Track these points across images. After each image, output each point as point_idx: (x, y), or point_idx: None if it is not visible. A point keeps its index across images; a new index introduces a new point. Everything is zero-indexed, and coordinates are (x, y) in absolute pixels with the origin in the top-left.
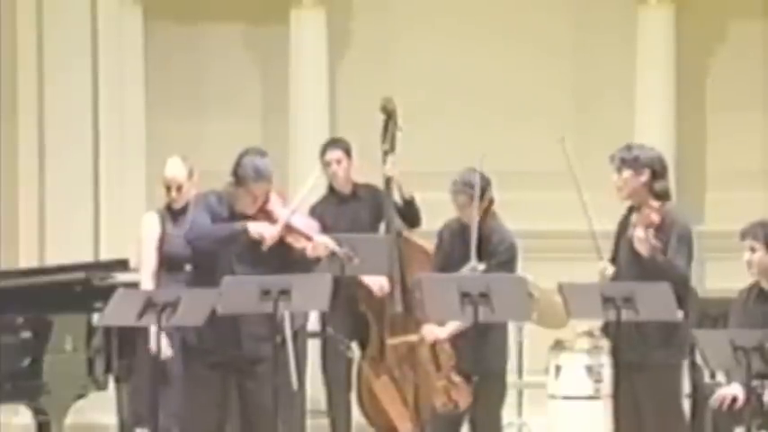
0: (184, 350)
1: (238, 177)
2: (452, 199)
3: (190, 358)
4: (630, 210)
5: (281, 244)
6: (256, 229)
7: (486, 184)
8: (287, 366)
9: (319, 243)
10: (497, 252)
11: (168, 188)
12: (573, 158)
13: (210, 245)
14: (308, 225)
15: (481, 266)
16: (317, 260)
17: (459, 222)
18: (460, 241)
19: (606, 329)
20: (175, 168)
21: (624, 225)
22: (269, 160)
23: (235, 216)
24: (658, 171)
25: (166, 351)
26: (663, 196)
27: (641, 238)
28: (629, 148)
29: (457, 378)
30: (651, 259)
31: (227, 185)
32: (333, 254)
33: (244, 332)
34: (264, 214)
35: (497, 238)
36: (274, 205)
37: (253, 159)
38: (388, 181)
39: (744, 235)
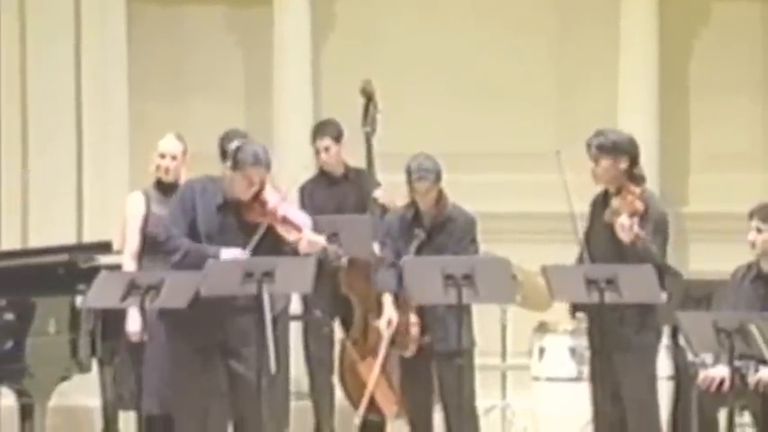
0: (171, 333)
1: (236, 161)
2: (412, 186)
3: (176, 340)
4: (606, 193)
5: (272, 235)
6: (228, 258)
7: (440, 169)
8: (266, 349)
9: (312, 240)
10: (470, 231)
11: (163, 156)
12: (566, 172)
13: (180, 260)
14: (302, 220)
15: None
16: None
17: (412, 210)
18: (410, 228)
19: (573, 311)
20: (172, 142)
21: (598, 205)
22: (268, 150)
23: (228, 202)
24: (634, 156)
25: (139, 332)
26: (640, 180)
27: (625, 225)
28: (602, 134)
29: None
30: (631, 246)
31: (224, 169)
32: (324, 250)
33: (231, 314)
34: (258, 203)
35: (463, 219)
36: (269, 195)
37: (254, 145)
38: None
39: (751, 215)
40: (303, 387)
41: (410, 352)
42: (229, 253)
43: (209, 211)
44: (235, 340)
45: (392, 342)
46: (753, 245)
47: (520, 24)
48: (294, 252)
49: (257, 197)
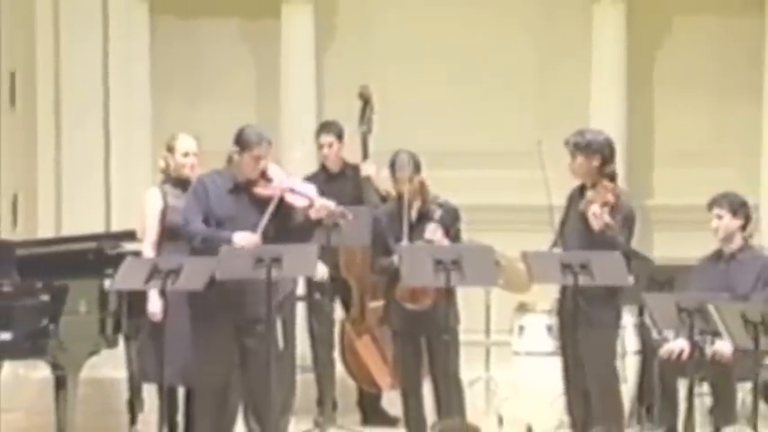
0: (193, 312)
1: (242, 143)
2: (396, 177)
3: (198, 319)
4: (582, 187)
5: (283, 209)
6: (240, 241)
7: (419, 160)
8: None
9: (322, 204)
10: (455, 217)
11: (186, 155)
12: (546, 161)
13: (199, 244)
14: (309, 188)
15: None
16: (319, 222)
17: (396, 204)
18: (398, 219)
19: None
20: (191, 141)
21: (574, 199)
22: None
23: (239, 185)
24: (608, 156)
25: (159, 313)
26: (612, 178)
27: (597, 213)
28: (581, 133)
29: None
30: (600, 233)
31: (228, 158)
32: (331, 213)
33: (247, 295)
34: (265, 179)
35: (448, 206)
36: (274, 173)
37: (253, 127)
38: (366, 179)
39: (710, 205)
40: (307, 362)
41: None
42: (241, 236)
43: (221, 196)
44: (249, 318)
45: (386, 320)
46: (716, 231)
47: (501, 36)
48: (306, 219)
49: (263, 175)
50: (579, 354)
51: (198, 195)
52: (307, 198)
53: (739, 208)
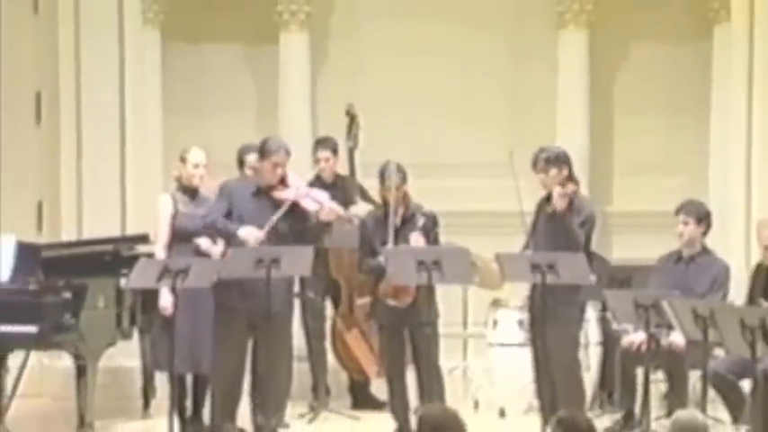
0: (216, 304)
1: (263, 151)
2: (385, 185)
3: (218, 311)
4: (548, 196)
5: (297, 211)
6: (244, 233)
7: (405, 171)
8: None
9: (331, 207)
10: (435, 222)
11: (197, 166)
12: (517, 170)
13: (214, 234)
14: (321, 194)
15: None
16: (329, 224)
17: (382, 210)
18: (384, 224)
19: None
20: (201, 154)
21: (542, 206)
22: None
23: (260, 189)
24: (570, 164)
25: (170, 308)
26: (576, 183)
27: (561, 192)
28: (546, 149)
29: None
30: (563, 215)
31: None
32: (339, 218)
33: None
34: (283, 185)
35: (428, 211)
36: (293, 181)
37: (274, 138)
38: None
39: (678, 211)
40: (302, 352)
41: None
42: (246, 230)
43: (244, 199)
44: (259, 314)
45: (372, 315)
46: (681, 235)
47: (480, 61)
48: (317, 220)
49: (282, 181)
50: (547, 345)
51: (222, 197)
52: (318, 203)
53: (704, 217)
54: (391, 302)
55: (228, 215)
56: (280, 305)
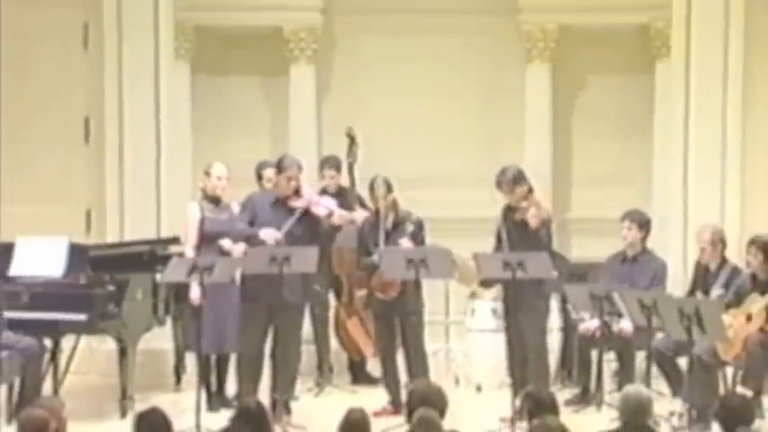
0: (242, 294)
1: (279, 166)
2: (374, 195)
3: (244, 300)
4: (509, 206)
5: (310, 218)
6: (264, 234)
7: (391, 183)
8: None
9: (341, 214)
10: (421, 227)
11: (220, 179)
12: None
13: (237, 239)
14: (330, 202)
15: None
16: (339, 227)
17: (375, 216)
18: (376, 229)
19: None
20: (224, 168)
21: (507, 213)
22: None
23: (279, 200)
24: (527, 178)
25: (200, 299)
26: (532, 191)
27: (535, 214)
28: (507, 169)
29: None
30: (536, 230)
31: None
32: (347, 222)
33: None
34: (297, 195)
35: (414, 217)
36: (306, 191)
37: (290, 156)
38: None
39: (623, 218)
40: (309, 336)
41: (391, 296)
42: (265, 231)
43: (265, 209)
44: (277, 305)
45: (368, 306)
46: (625, 238)
47: (457, 88)
48: (329, 225)
49: (297, 191)
50: (519, 330)
51: (246, 207)
52: (328, 209)
53: (645, 223)
54: (379, 295)
55: (251, 223)
56: (294, 297)
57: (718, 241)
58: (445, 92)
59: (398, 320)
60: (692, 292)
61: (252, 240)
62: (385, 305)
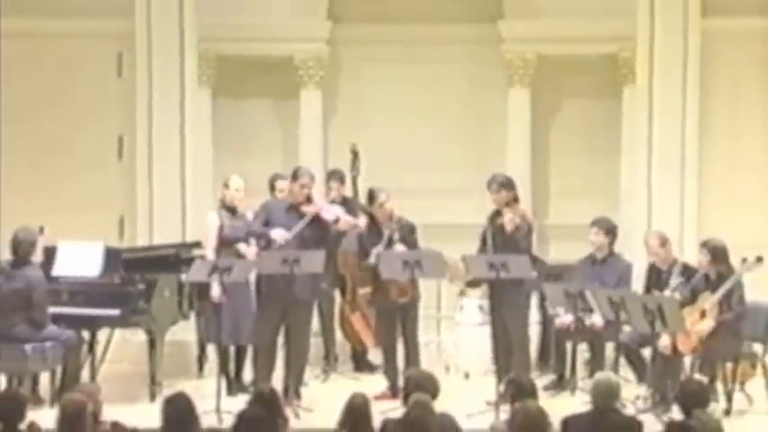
0: (259, 293)
1: (293, 175)
2: (372, 203)
3: (260, 296)
4: (497, 211)
5: (318, 223)
6: (275, 235)
7: (388, 192)
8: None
9: (347, 220)
10: (413, 231)
11: (237, 190)
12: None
13: (250, 236)
14: (337, 209)
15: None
16: (344, 232)
17: (373, 224)
18: (374, 234)
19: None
20: (240, 181)
21: (493, 219)
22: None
23: (292, 206)
24: (515, 187)
25: (220, 297)
26: (517, 201)
27: (511, 219)
28: (497, 176)
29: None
30: (511, 234)
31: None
32: (352, 227)
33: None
34: (309, 201)
35: (406, 221)
36: (316, 198)
37: (303, 166)
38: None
39: (592, 225)
40: (316, 329)
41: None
42: (277, 232)
43: (279, 215)
44: (290, 301)
45: (373, 302)
46: (593, 243)
47: (447, 110)
48: (337, 230)
49: (309, 199)
50: (503, 324)
51: (261, 212)
52: (335, 215)
53: (611, 229)
54: (401, 300)
55: (266, 225)
56: (304, 295)
57: (665, 243)
58: (437, 113)
59: (398, 313)
60: (647, 290)
61: (263, 239)
62: (389, 303)
